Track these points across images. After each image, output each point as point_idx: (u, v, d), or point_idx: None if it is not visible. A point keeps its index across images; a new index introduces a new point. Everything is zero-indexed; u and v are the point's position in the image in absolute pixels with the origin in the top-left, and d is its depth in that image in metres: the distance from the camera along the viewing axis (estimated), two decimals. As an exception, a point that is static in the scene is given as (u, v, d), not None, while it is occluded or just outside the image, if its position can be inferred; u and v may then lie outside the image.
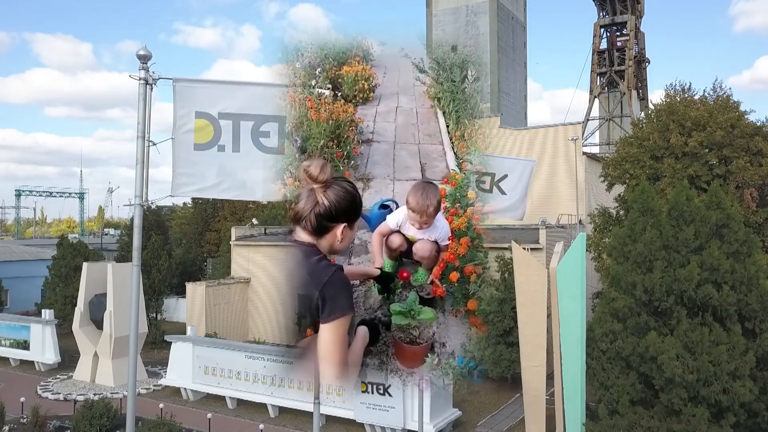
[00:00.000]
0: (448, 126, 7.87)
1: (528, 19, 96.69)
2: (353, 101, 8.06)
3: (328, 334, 3.27)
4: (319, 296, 3.25)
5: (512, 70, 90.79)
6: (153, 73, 6.56)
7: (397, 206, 5.82)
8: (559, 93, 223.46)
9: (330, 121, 6.74)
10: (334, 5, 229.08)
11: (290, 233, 3.48)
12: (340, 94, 7.92)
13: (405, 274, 5.52)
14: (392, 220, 5.47)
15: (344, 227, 3.32)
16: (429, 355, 5.20)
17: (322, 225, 3.27)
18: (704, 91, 26.02)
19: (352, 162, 7.08)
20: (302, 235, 3.34)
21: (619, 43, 77.93)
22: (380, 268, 5.38)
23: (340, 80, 8.06)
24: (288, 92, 6.69)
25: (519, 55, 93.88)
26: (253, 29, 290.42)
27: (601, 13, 78.96)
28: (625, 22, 76.92)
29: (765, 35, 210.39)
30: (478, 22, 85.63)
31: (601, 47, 78.69)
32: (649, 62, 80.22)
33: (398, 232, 5.44)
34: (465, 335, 5.66)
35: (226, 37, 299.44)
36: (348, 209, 3.32)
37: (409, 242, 5.43)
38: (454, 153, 7.47)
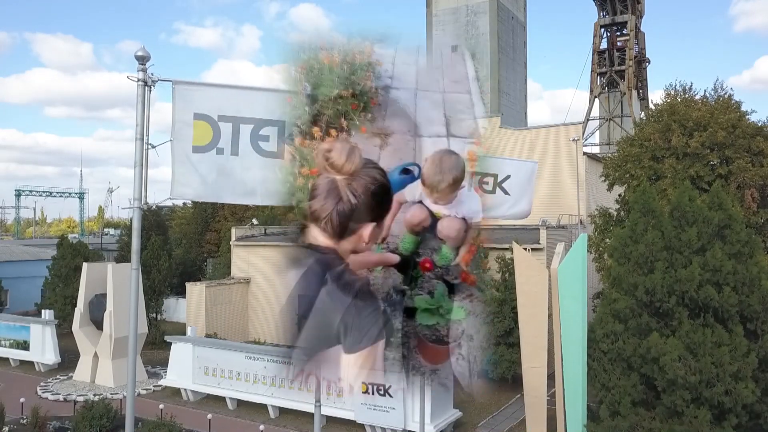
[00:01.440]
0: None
1: (528, 19, 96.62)
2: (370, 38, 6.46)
3: (353, 360, 2.88)
4: (341, 323, 2.78)
5: (512, 70, 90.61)
6: (152, 74, 6.50)
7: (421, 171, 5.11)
8: (559, 93, 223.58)
9: (345, 66, 5.71)
10: (334, 5, 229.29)
11: (302, 232, 2.90)
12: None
13: (428, 265, 4.73)
14: (412, 193, 4.66)
15: (373, 228, 2.73)
16: (455, 351, 4.64)
17: (345, 226, 2.66)
18: (705, 91, 26.04)
19: (369, 115, 5.90)
20: (319, 238, 2.74)
21: (619, 43, 77.88)
22: (401, 254, 4.60)
23: None
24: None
25: (519, 55, 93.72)
26: (253, 29, 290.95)
27: (601, 13, 78.92)
28: (626, 22, 76.87)
29: (765, 35, 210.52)
30: (478, 22, 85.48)
31: (601, 47, 78.63)
32: (649, 62, 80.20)
33: (420, 203, 4.66)
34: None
35: (226, 37, 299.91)
36: (378, 205, 2.71)
37: (434, 217, 4.70)
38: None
